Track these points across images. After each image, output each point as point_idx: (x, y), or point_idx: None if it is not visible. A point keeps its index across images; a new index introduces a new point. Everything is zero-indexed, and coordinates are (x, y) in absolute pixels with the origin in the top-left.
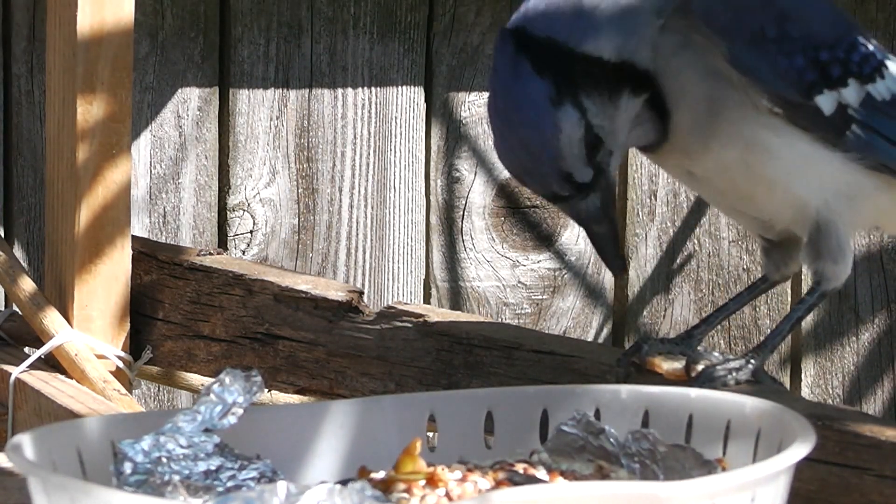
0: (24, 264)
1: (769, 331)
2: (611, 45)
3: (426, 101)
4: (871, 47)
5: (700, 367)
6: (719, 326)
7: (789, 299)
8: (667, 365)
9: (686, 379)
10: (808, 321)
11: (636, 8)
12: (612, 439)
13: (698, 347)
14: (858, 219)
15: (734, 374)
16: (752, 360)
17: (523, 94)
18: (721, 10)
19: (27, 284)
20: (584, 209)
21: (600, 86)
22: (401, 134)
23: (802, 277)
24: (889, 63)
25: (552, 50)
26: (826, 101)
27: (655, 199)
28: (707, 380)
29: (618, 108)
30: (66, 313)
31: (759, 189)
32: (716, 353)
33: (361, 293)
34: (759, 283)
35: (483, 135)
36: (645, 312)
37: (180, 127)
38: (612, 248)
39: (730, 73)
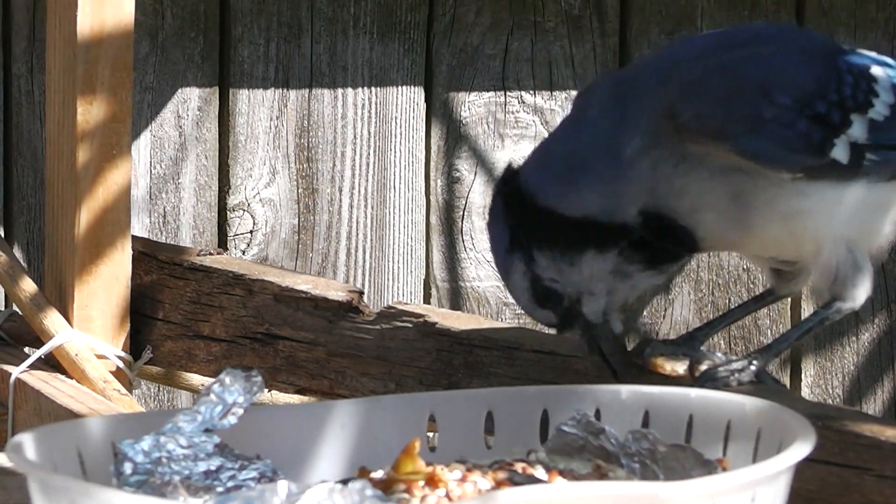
0: (25, 264)
1: (769, 331)
2: (575, 202)
3: (426, 101)
4: (854, 69)
5: (703, 368)
6: None
7: (789, 299)
8: (669, 366)
9: (689, 379)
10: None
11: (625, 155)
12: (612, 439)
13: (701, 348)
14: (886, 229)
15: (736, 375)
16: (755, 362)
17: (492, 236)
18: (712, 112)
19: (27, 285)
20: (573, 340)
21: (555, 240)
22: (401, 134)
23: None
24: (873, 72)
25: (522, 197)
26: (840, 151)
27: None
28: (709, 380)
29: (575, 263)
30: (66, 313)
31: (807, 246)
32: (719, 354)
33: (361, 293)
34: (766, 294)
35: (483, 135)
36: (645, 312)
37: (180, 127)
38: (613, 368)
39: (741, 163)
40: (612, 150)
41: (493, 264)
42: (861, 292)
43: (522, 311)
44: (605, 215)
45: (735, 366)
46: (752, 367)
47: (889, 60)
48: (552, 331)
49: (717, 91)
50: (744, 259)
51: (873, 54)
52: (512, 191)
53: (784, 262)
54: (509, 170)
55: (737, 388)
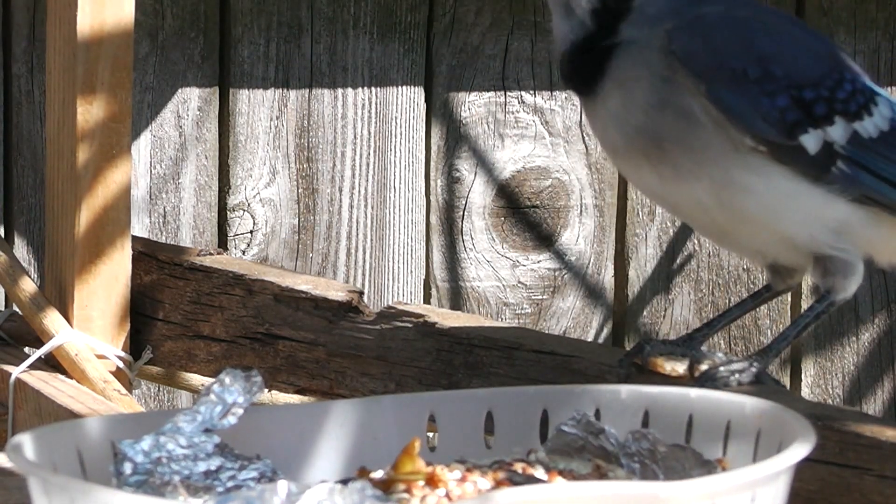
0: (25, 264)
1: (769, 331)
2: None
3: (426, 101)
4: (859, 84)
5: (703, 368)
6: None
7: (789, 300)
8: (669, 366)
9: (688, 379)
10: None
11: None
12: (611, 439)
13: (702, 348)
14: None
15: (737, 375)
16: (756, 363)
17: None
18: (701, 51)
19: (27, 285)
20: None
21: None
22: (401, 134)
23: (804, 278)
24: (879, 100)
25: None
26: (811, 140)
27: None
28: (709, 380)
29: None
30: (66, 313)
31: (740, 226)
32: (719, 355)
33: (361, 293)
34: (764, 291)
35: (483, 135)
36: (645, 312)
37: (180, 127)
38: None
39: (709, 110)
40: None
41: None
42: (853, 282)
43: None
44: None
45: (736, 366)
46: (753, 368)
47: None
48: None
49: (718, 36)
50: (744, 259)
51: (891, 96)
52: None
53: (759, 258)
54: None
55: (737, 388)
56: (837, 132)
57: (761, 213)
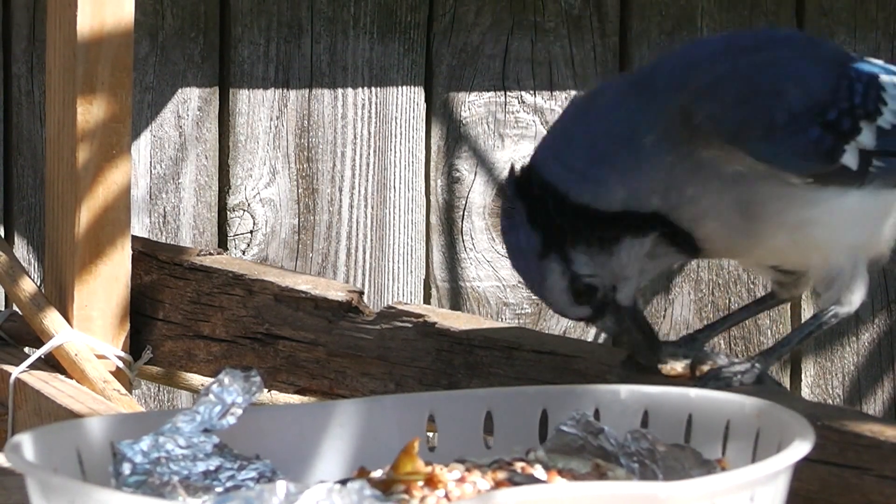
0: (25, 264)
1: (769, 331)
2: (613, 196)
3: (426, 101)
4: (863, 76)
5: (705, 368)
6: None
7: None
8: (669, 365)
9: (690, 377)
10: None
11: (646, 150)
12: (611, 439)
13: (704, 348)
14: (888, 234)
15: (739, 376)
16: (758, 365)
17: (516, 242)
18: (726, 115)
19: (27, 284)
20: (603, 329)
21: (592, 235)
22: (401, 134)
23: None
24: (882, 80)
25: (550, 196)
26: (850, 157)
27: None
28: (711, 380)
29: (614, 253)
30: (66, 313)
31: (813, 256)
32: (722, 356)
33: (361, 293)
34: (768, 298)
35: (483, 135)
36: (645, 312)
37: (180, 127)
38: (644, 352)
39: (756, 167)
40: (633, 144)
41: (518, 270)
42: (857, 297)
43: (553, 312)
44: (642, 206)
45: (738, 367)
46: (755, 370)
47: (889, 70)
48: (581, 323)
49: (732, 94)
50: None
51: (881, 62)
52: (533, 190)
53: (785, 272)
54: (520, 173)
55: (738, 388)
56: (867, 137)
57: (828, 236)
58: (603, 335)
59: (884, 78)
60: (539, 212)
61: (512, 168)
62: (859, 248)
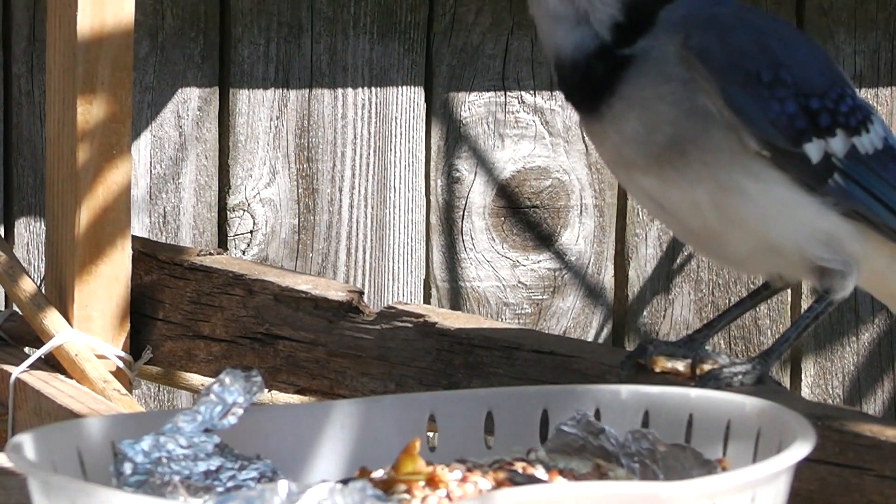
0: (25, 264)
1: (769, 331)
2: None
3: (426, 101)
4: (858, 101)
5: (706, 368)
6: None
7: (789, 299)
8: (670, 364)
9: (691, 377)
10: None
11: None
12: (611, 439)
13: (706, 347)
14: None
15: (739, 377)
16: (759, 365)
17: None
18: (718, 50)
19: (27, 285)
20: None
21: None
22: (401, 134)
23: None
24: (874, 119)
25: None
26: (814, 150)
27: None
28: (712, 379)
29: None
30: (66, 313)
31: (732, 231)
32: (723, 356)
33: (361, 293)
34: (762, 289)
35: (483, 135)
36: (645, 312)
37: (180, 127)
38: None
39: (722, 112)
40: None
41: None
42: (850, 282)
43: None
44: None
45: (738, 368)
46: (756, 371)
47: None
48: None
49: (732, 37)
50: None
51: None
52: None
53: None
54: None
55: (738, 388)
56: (838, 145)
57: (754, 219)
58: (604, 334)
59: (875, 118)
60: None
61: None
62: (789, 253)
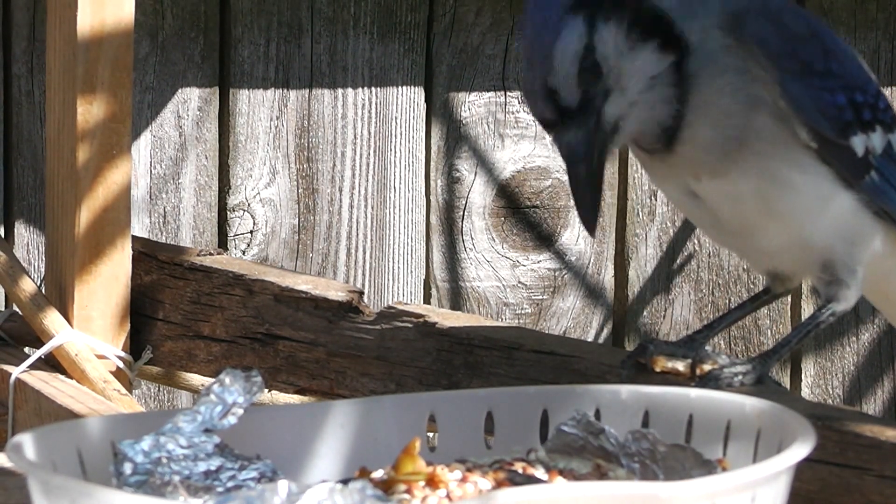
0: (25, 264)
1: (769, 331)
2: None
3: (426, 101)
4: (887, 100)
5: (707, 368)
6: None
7: (789, 301)
8: (670, 364)
9: (691, 377)
10: None
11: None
12: (611, 439)
13: (706, 348)
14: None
15: (739, 377)
16: (759, 367)
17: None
18: (775, 38)
19: (27, 285)
20: (567, 142)
21: (625, 17)
22: (401, 134)
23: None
24: None
25: None
26: (859, 143)
27: (656, 199)
28: (712, 380)
29: (634, 50)
30: (66, 313)
31: (771, 223)
32: (723, 356)
33: (361, 293)
34: (763, 294)
35: (483, 135)
36: (645, 312)
37: (180, 127)
38: (588, 198)
39: (777, 102)
40: None
41: (534, 26)
42: (855, 294)
43: (535, 96)
44: (681, 20)
45: (738, 368)
46: (756, 371)
47: None
48: (550, 131)
49: (789, 25)
50: (744, 259)
51: None
52: None
53: (760, 265)
54: None
55: (738, 389)
56: (877, 140)
57: (795, 211)
58: (603, 334)
59: None
60: None
61: None
62: (818, 250)
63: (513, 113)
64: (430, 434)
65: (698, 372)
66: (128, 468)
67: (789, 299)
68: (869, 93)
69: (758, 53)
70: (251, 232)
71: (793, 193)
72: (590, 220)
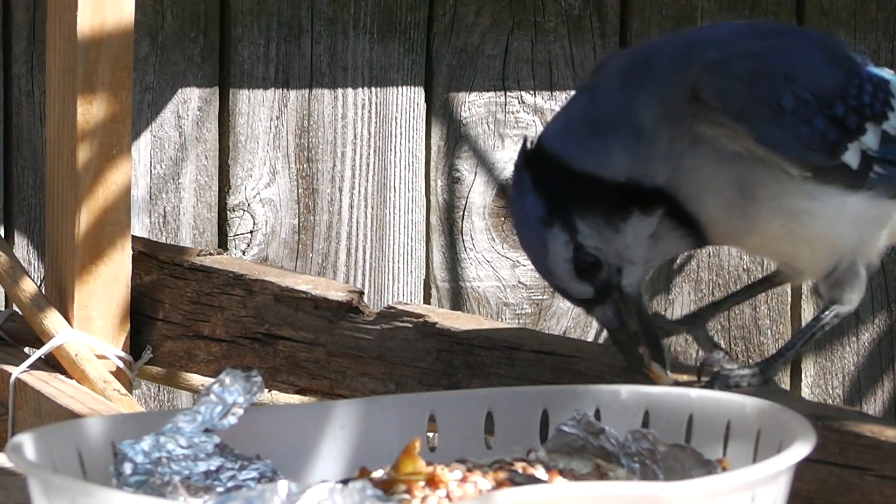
0: (25, 264)
1: (769, 331)
2: (616, 165)
3: (426, 101)
4: (874, 77)
5: (714, 369)
6: (719, 326)
7: (789, 299)
8: (673, 377)
9: (697, 378)
10: (808, 321)
11: (644, 120)
12: (611, 439)
13: (712, 355)
14: (883, 240)
15: (747, 378)
16: (765, 371)
17: (522, 211)
18: (734, 92)
19: (28, 285)
20: (600, 318)
21: (600, 207)
22: (401, 134)
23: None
24: (891, 87)
25: (555, 166)
26: (852, 156)
27: None
28: (718, 381)
29: (620, 229)
30: (66, 313)
31: (803, 249)
32: (728, 361)
33: (361, 293)
34: (772, 276)
35: (483, 135)
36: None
37: (180, 127)
38: (633, 357)
39: (757, 150)
40: (635, 119)
41: (523, 241)
42: (857, 296)
43: (552, 289)
44: (645, 179)
45: (744, 372)
46: (762, 376)
47: None
48: (583, 309)
49: (743, 73)
50: (744, 259)
51: (892, 72)
52: (540, 161)
53: (785, 265)
54: (529, 147)
55: (744, 390)
56: (870, 139)
57: (823, 232)
58: (603, 334)
59: (892, 83)
60: (545, 180)
61: (524, 142)
62: (853, 250)
63: (513, 113)
64: (430, 434)
65: (702, 375)
66: (128, 468)
67: (789, 299)
68: (849, 96)
69: (721, 116)
70: (251, 232)
71: (813, 219)
72: (641, 373)
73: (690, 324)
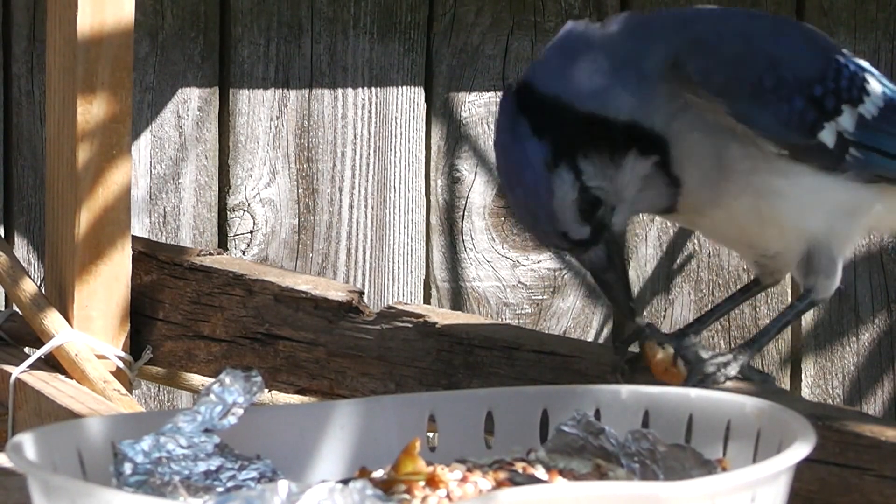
0: (25, 264)
1: None
2: (619, 104)
3: (426, 101)
4: (851, 65)
5: (690, 358)
6: (719, 326)
7: (789, 299)
8: (661, 355)
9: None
10: (808, 321)
11: (646, 71)
12: (611, 439)
13: (692, 340)
14: (857, 230)
15: (723, 369)
16: (740, 356)
17: (521, 156)
18: (717, 70)
19: (28, 285)
20: (589, 260)
21: (602, 146)
22: (401, 134)
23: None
24: (868, 77)
25: (555, 108)
26: (828, 135)
27: None
28: (697, 374)
29: (621, 167)
30: (66, 313)
31: (771, 230)
32: (704, 349)
33: (361, 293)
34: (752, 285)
35: (483, 135)
36: (645, 312)
37: (180, 127)
38: (623, 296)
39: (734, 126)
40: (637, 66)
41: (522, 188)
42: (833, 283)
43: (545, 238)
44: (646, 121)
45: (720, 360)
46: (738, 361)
47: (878, 74)
48: (571, 254)
49: (726, 51)
50: (744, 259)
51: (867, 64)
52: (537, 107)
53: (763, 256)
54: (517, 91)
55: (730, 385)
56: (847, 121)
57: (793, 214)
58: (603, 334)
59: (870, 76)
60: (545, 124)
61: (509, 87)
62: (826, 236)
63: None
64: (430, 434)
65: (679, 361)
66: (128, 468)
67: (788, 297)
68: (828, 79)
69: (702, 90)
70: (251, 232)
71: (782, 199)
72: (630, 313)
73: (678, 340)
